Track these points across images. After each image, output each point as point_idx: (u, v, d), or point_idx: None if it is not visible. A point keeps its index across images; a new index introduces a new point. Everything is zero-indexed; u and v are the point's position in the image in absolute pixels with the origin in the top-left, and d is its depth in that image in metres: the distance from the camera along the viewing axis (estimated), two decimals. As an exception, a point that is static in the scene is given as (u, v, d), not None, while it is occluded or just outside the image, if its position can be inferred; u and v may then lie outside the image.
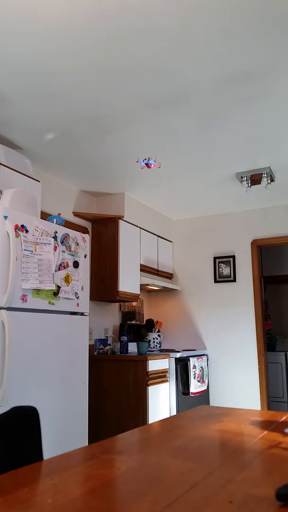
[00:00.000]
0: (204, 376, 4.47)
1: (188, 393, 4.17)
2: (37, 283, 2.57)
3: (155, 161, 3.14)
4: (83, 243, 3.02)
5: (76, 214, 4.09)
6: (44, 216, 3.60)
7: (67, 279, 2.83)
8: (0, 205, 2.57)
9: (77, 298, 2.92)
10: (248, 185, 3.83)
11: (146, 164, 3.11)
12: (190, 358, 4.24)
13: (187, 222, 5.23)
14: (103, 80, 2.42)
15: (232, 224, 4.94)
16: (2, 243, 2.40)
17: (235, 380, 4.65)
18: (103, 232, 4.21)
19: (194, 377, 4.25)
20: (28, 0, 1.83)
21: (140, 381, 3.75)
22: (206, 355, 4.70)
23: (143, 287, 4.62)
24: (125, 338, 4.21)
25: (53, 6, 1.86)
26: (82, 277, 2.98)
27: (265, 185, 3.78)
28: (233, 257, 4.85)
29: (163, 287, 4.73)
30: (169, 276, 5.11)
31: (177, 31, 2.02)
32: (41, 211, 3.61)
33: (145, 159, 3.14)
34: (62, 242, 2.82)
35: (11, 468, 1.17)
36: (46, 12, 1.90)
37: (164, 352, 4.33)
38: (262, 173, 3.71)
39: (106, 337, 4.34)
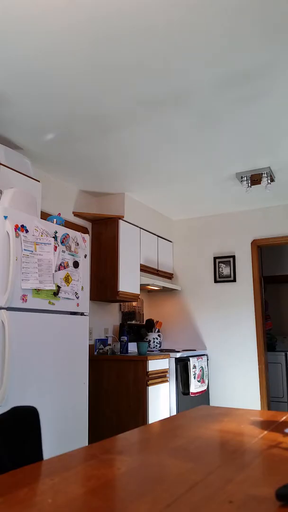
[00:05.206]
0: (204, 376, 4.46)
1: (188, 393, 4.17)
2: (37, 283, 2.57)
3: None
4: (83, 243, 3.02)
5: (76, 214, 4.09)
6: (44, 216, 3.60)
7: (67, 279, 2.83)
8: (0, 205, 2.57)
9: (77, 298, 2.92)
10: (248, 185, 3.83)
11: None
12: (190, 358, 4.24)
13: (187, 222, 5.23)
14: (103, 80, 2.42)
15: (232, 224, 4.93)
16: (2, 243, 2.40)
17: (235, 380, 4.65)
18: (103, 232, 4.21)
19: (194, 377, 4.25)
20: (28, 0, 1.83)
21: (140, 381, 3.75)
22: (206, 355, 4.70)
23: (143, 287, 4.62)
24: (125, 338, 4.21)
25: (52, 6, 1.86)
26: (82, 277, 2.98)
27: (265, 185, 3.77)
28: (233, 257, 4.85)
29: (163, 287, 4.73)
30: (169, 276, 5.11)
31: (177, 31, 2.02)
32: (41, 211, 3.61)
33: None
34: (62, 242, 2.82)
35: (11, 468, 1.17)
36: (46, 12, 1.90)
37: (164, 352, 4.33)
38: (262, 173, 3.70)
39: (106, 337, 4.34)
